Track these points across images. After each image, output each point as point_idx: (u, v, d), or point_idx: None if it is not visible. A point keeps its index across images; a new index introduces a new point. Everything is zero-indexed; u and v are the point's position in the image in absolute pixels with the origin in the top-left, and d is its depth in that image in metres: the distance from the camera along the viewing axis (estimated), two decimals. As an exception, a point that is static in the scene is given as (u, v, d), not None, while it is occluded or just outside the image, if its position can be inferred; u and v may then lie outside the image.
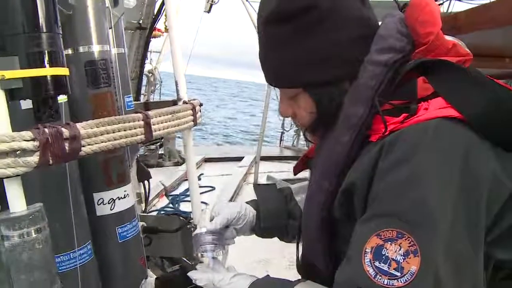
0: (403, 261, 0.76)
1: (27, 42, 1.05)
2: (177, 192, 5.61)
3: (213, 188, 5.79)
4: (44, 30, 1.07)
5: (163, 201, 5.25)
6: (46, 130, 1.04)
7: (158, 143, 7.72)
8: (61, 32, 1.13)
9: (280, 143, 9.59)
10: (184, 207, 4.97)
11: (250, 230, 1.33)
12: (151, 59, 9.53)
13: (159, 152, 7.70)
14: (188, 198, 5.24)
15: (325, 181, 0.98)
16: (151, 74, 9.54)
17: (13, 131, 1.01)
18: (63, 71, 1.12)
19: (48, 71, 1.08)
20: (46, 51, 1.08)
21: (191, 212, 1.92)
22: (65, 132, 1.08)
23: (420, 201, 0.78)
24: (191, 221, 1.85)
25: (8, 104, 1.05)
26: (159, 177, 5.80)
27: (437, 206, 0.77)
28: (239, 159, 7.49)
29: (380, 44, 0.93)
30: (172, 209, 4.90)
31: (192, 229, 1.79)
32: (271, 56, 1.00)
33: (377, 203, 0.84)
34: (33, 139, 1.02)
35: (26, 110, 1.20)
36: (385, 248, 0.78)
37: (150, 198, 4.90)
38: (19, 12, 1.04)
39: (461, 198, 0.78)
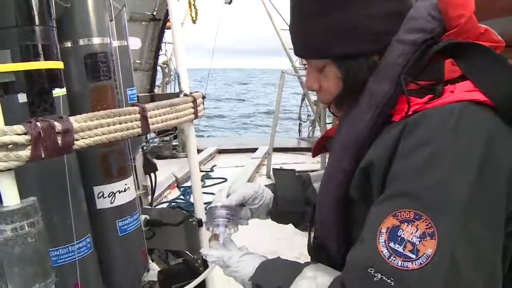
0: (419, 243, 0.74)
1: (20, 35, 1.04)
2: (189, 183, 5.62)
3: (225, 180, 5.80)
4: (37, 23, 1.06)
5: (175, 193, 5.28)
6: (39, 124, 1.04)
7: (172, 135, 7.76)
8: (55, 25, 1.12)
9: (299, 134, 9.57)
10: (195, 198, 4.98)
11: (266, 213, 1.31)
12: (165, 51, 9.54)
13: (173, 143, 7.73)
14: (200, 190, 5.26)
15: (344, 159, 0.96)
16: (165, 66, 9.55)
17: (10, 124, 1.01)
18: (57, 64, 1.11)
19: (41, 65, 1.07)
20: (39, 45, 1.07)
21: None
22: (58, 125, 1.07)
23: (440, 183, 0.76)
24: (193, 214, 1.84)
25: (4, 98, 1.05)
26: (172, 168, 5.83)
27: (457, 190, 0.75)
28: (253, 150, 7.49)
29: (410, 24, 0.91)
30: (183, 201, 4.92)
31: (194, 222, 1.79)
32: (303, 26, 0.98)
33: (396, 183, 0.81)
34: (25, 133, 1.01)
35: (24, 104, 1.19)
36: (401, 229, 0.76)
37: (162, 190, 4.95)
38: (11, 5, 1.03)
39: (481, 184, 0.75)
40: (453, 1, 0.90)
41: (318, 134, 9.07)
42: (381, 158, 0.86)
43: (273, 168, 1.44)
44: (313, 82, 1.04)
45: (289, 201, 1.30)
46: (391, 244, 0.77)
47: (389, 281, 0.75)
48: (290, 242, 3.42)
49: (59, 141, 1.08)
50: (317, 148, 1.27)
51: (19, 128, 1.01)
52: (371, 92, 0.92)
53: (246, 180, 5.44)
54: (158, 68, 8.17)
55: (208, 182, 5.82)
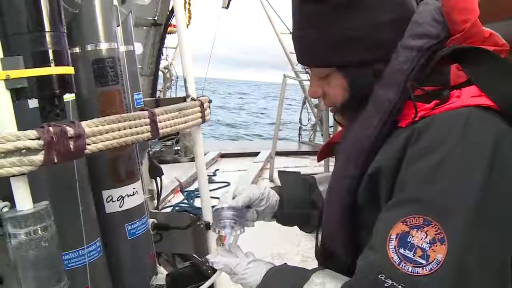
0: (429, 249, 0.75)
1: (32, 42, 1.05)
2: (192, 188, 5.63)
3: (228, 184, 5.81)
4: (48, 29, 1.07)
5: (178, 197, 5.28)
6: (51, 129, 1.05)
7: (174, 139, 7.77)
8: (65, 31, 1.13)
9: (299, 138, 9.58)
10: (199, 203, 4.97)
11: (271, 215, 1.32)
12: (166, 55, 9.57)
13: (175, 148, 7.75)
14: (203, 194, 5.27)
15: (351, 165, 0.96)
16: (167, 70, 9.57)
17: (21, 130, 1.02)
18: (68, 70, 1.13)
19: (52, 70, 1.08)
20: (50, 50, 1.08)
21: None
22: (70, 130, 1.08)
23: (448, 189, 0.77)
24: (201, 218, 1.85)
25: (15, 104, 1.06)
26: (175, 173, 5.84)
27: (465, 195, 0.76)
28: (255, 154, 7.50)
29: (414, 30, 0.92)
30: (187, 205, 4.93)
31: (202, 225, 1.80)
32: (306, 34, 0.98)
33: (404, 189, 0.82)
34: (38, 138, 1.02)
35: (34, 109, 1.21)
36: (411, 235, 0.77)
37: (165, 194, 4.96)
38: (23, 12, 1.04)
39: (489, 188, 0.76)
40: (458, 6, 0.90)
41: (319, 138, 9.09)
42: (389, 164, 0.86)
43: (278, 171, 1.45)
44: (316, 88, 1.04)
45: (294, 203, 1.31)
46: (401, 250, 0.77)
47: (399, 287, 0.76)
48: (295, 245, 3.43)
49: (71, 146, 1.09)
50: (323, 154, 1.27)
51: (32, 133, 1.02)
52: (377, 99, 0.93)
53: (249, 184, 5.44)
54: (159, 73, 8.20)
55: (211, 186, 5.82)
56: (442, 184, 0.78)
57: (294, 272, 1.04)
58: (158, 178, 2.47)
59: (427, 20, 0.92)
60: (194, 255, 1.99)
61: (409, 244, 0.77)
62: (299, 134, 9.69)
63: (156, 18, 6.92)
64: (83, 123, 1.12)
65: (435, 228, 0.75)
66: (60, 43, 1.11)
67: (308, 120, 9.17)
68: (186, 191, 5.48)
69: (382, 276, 0.78)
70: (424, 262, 0.75)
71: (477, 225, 0.75)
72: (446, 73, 0.89)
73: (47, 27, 1.07)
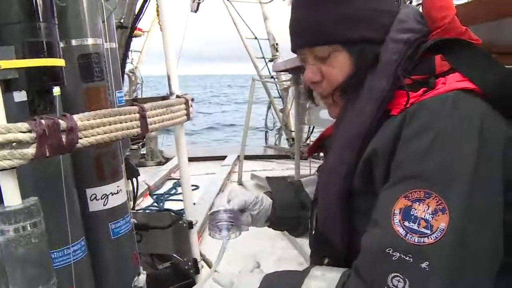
0: (432, 219, 0.79)
1: (24, 32, 1.03)
2: (161, 191, 5.57)
3: (197, 187, 5.76)
4: (41, 20, 1.05)
5: (148, 200, 5.21)
6: (43, 121, 1.01)
7: (140, 143, 7.67)
8: (57, 23, 1.11)
9: (266, 142, 9.61)
10: (168, 205, 4.94)
11: (265, 219, 1.34)
12: (132, 59, 9.46)
13: (142, 152, 7.65)
14: (172, 197, 5.24)
15: (346, 152, 1.01)
16: (132, 74, 9.46)
17: (5, 125, 0.99)
18: (59, 62, 1.10)
19: (44, 62, 1.06)
20: (42, 41, 1.05)
21: (181, 210, 1.91)
22: (62, 123, 1.05)
23: (445, 162, 0.82)
24: (183, 216, 1.83)
25: (3, 96, 1.02)
26: (142, 177, 5.74)
27: (461, 166, 0.81)
28: (223, 158, 7.48)
29: (400, 26, 1.00)
30: (157, 208, 4.87)
31: (184, 224, 1.78)
32: (315, 14, 1.03)
33: (402, 167, 0.87)
34: (29, 131, 0.99)
35: (20, 103, 1.17)
36: (414, 208, 0.81)
37: (134, 198, 4.87)
38: (15, 1, 1.02)
39: (482, 158, 0.81)
40: (436, 4, 1.00)
41: (284, 142, 9.14)
42: (384, 147, 0.91)
43: (266, 177, 1.49)
44: (315, 72, 1.08)
45: (286, 206, 1.35)
46: (406, 223, 0.81)
47: (407, 258, 0.80)
48: (270, 246, 3.43)
49: (63, 139, 1.06)
50: (313, 148, 1.30)
51: (24, 125, 0.98)
52: (370, 87, 0.99)
53: (218, 187, 5.42)
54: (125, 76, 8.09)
55: (180, 189, 5.77)
56: (438, 158, 0.82)
57: (292, 271, 1.07)
58: (134, 179, 2.43)
59: (410, 18, 1.02)
60: (175, 255, 1.97)
61: (412, 216, 0.81)
62: (266, 138, 9.71)
63: (122, 20, 6.80)
64: (75, 117, 1.09)
65: (436, 199, 0.80)
66: (52, 35, 1.08)
67: (274, 124, 9.22)
68: (155, 194, 5.41)
69: (390, 249, 0.82)
70: (428, 232, 0.79)
71: (474, 194, 0.80)
72: (431, 63, 0.97)
73: (39, 17, 1.05)
